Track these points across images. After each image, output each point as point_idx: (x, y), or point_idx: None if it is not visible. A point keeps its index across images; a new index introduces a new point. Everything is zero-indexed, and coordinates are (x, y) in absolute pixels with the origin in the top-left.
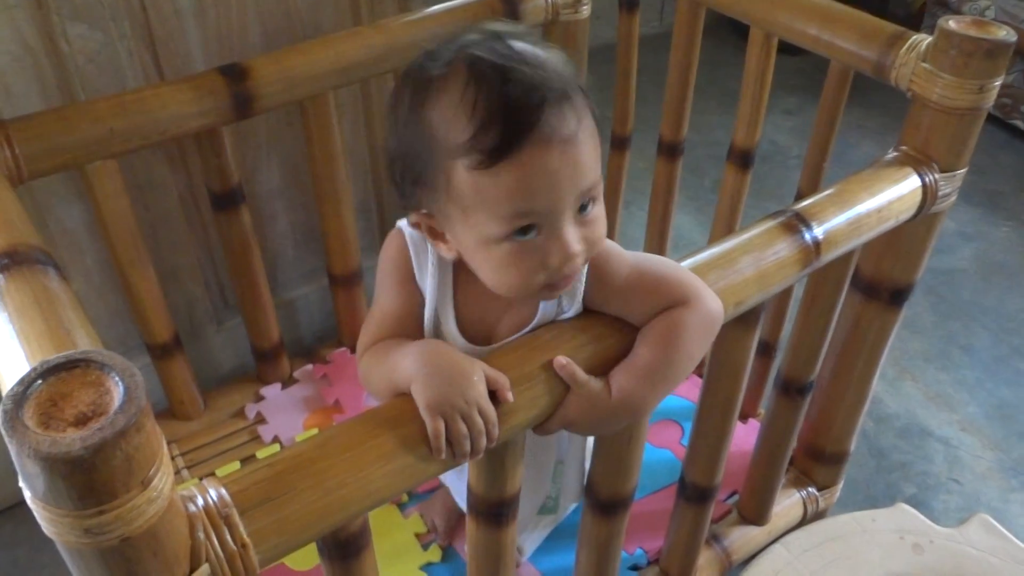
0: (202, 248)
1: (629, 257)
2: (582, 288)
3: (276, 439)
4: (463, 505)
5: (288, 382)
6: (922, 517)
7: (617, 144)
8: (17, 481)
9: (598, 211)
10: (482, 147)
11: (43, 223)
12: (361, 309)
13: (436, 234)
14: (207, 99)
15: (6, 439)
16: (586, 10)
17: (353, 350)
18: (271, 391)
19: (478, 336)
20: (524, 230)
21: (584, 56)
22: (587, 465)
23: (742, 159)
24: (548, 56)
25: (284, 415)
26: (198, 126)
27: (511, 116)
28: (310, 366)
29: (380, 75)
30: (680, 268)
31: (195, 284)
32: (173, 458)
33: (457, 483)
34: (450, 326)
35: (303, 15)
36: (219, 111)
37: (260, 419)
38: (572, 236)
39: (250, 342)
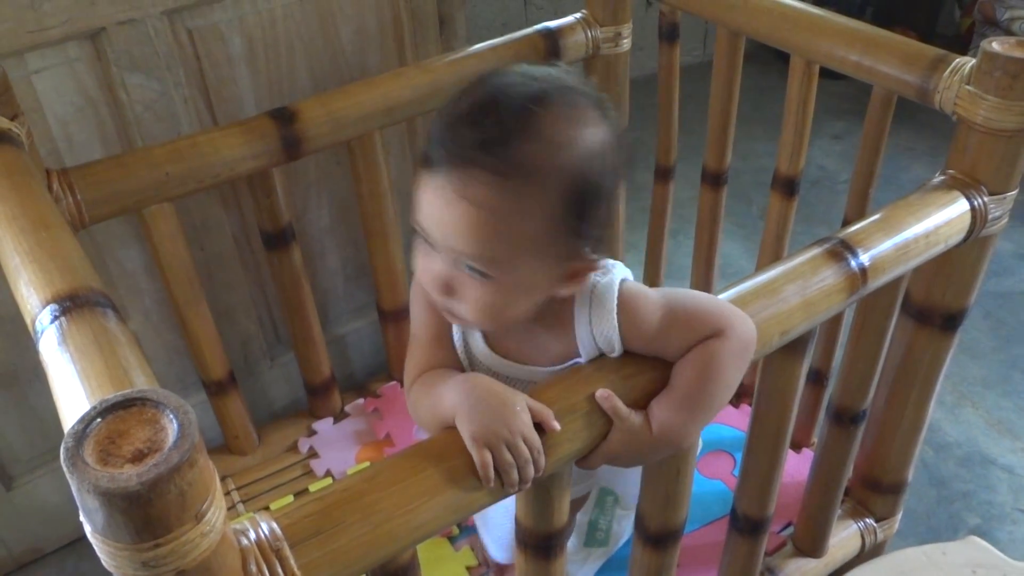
0: (255, 286)
1: (659, 299)
2: (617, 338)
3: (328, 473)
4: (493, 553)
5: (340, 416)
6: (995, 550)
7: (661, 174)
8: (78, 517)
9: (483, 289)
10: (423, 152)
11: (103, 265)
12: None
13: None
14: (257, 142)
15: (67, 475)
16: (626, 43)
17: (403, 384)
18: (323, 425)
19: (508, 350)
20: (426, 238)
21: (625, 88)
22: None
23: (787, 187)
24: (553, 134)
25: (336, 449)
26: (249, 168)
27: (447, 144)
28: (361, 400)
29: (425, 114)
30: (709, 299)
31: (249, 322)
32: (229, 492)
33: (488, 533)
34: (477, 341)
35: (349, 58)
36: (269, 153)
37: (313, 453)
38: (432, 270)
39: (302, 377)
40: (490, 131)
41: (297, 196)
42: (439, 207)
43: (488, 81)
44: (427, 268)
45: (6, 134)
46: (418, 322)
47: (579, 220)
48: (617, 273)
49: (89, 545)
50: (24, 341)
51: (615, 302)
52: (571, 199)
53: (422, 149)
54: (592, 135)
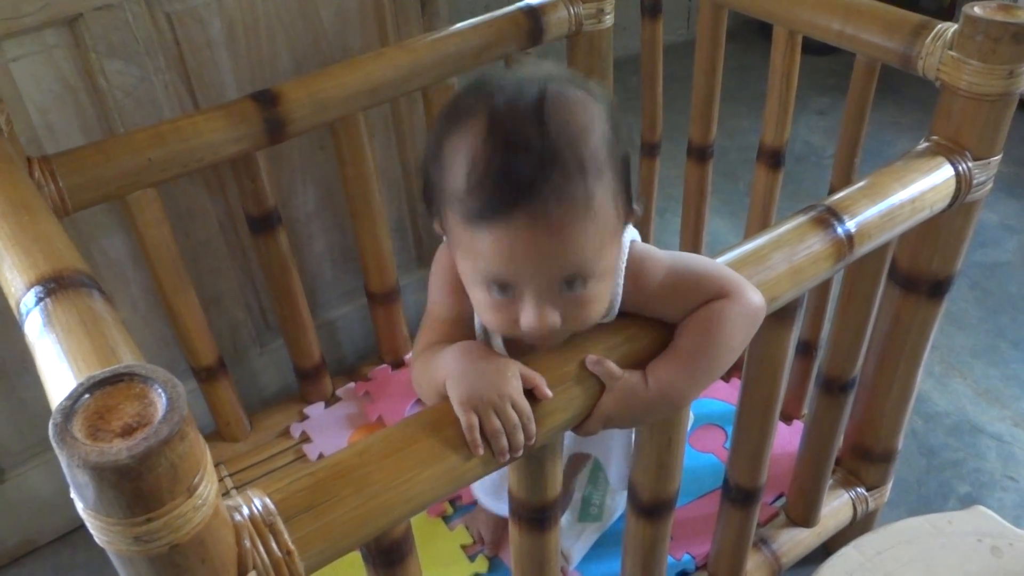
0: (243, 273)
1: (665, 258)
2: (619, 300)
3: (321, 457)
4: (479, 497)
5: (331, 401)
6: (1000, 519)
7: (646, 151)
8: (72, 508)
9: (591, 291)
10: (468, 207)
11: (88, 255)
12: (400, 326)
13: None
14: (240, 125)
15: (57, 451)
16: (609, 19)
17: (393, 367)
18: (315, 410)
19: (524, 347)
20: (502, 288)
21: (609, 65)
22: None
23: (772, 158)
24: (580, 126)
25: (328, 433)
26: (233, 152)
27: (502, 187)
28: (352, 384)
29: (408, 94)
30: (718, 264)
31: (237, 308)
32: (222, 479)
33: (493, 501)
34: (497, 338)
35: (331, 39)
36: (252, 136)
37: (305, 438)
38: (542, 312)
39: (292, 363)
40: (531, 162)
41: (282, 182)
42: (522, 247)
43: (485, 109)
44: (519, 316)
45: None
46: (438, 305)
47: (626, 183)
48: (627, 235)
49: (83, 536)
50: (12, 333)
51: (624, 262)
52: (618, 171)
53: (455, 203)
54: (596, 105)
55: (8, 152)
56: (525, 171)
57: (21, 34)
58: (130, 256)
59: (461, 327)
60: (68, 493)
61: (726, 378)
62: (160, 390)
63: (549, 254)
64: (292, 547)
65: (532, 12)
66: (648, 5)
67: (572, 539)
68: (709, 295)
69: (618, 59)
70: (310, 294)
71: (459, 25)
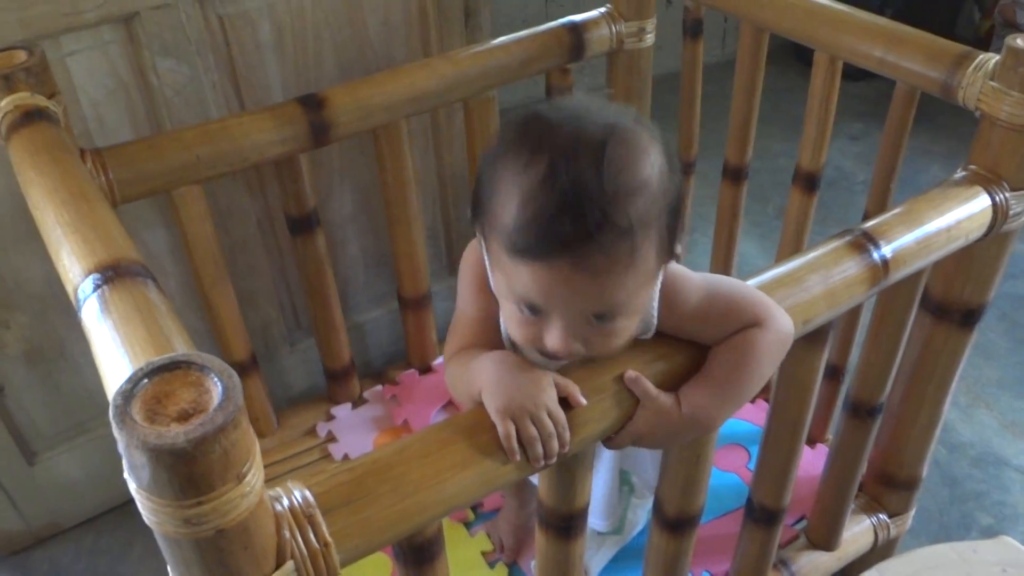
0: (277, 273)
1: (699, 281)
2: (655, 322)
3: (346, 457)
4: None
5: (358, 402)
6: None
7: (682, 170)
8: (98, 494)
9: (619, 326)
10: (514, 242)
11: None
12: (430, 332)
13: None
14: (286, 127)
15: (115, 431)
16: (650, 38)
17: (421, 371)
18: (342, 411)
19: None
20: (532, 310)
21: (648, 84)
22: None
23: (808, 182)
24: (639, 180)
25: (354, 434)
26: (278, 153)
27: (550, 236)
28: (380, 387)
29: (450, 104)
30: (751, 289)
31: (270, 307)
32: None
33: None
34: None
35: (376, 48)
36: (297, 139)
37: (331, 438)
38: (567, 338)
39: (322, 363)
40: (583, 218)
41: (321, 184)
42: (560, 287)
43: (546, 149)
44: (543, 336)
45: (44, 111)
46: (467, 303)
47: (674, 233)
48: None
49: (107, 522)
50: (52, 320)
51: (659, 283)
52: (668, 223)
53: (502, 233)
54: (657, 154)
55: (66, 143)
56: (576, 225)
57: (79, 29)
58: (169, 250)
59: (489, 325)
60: (96, 479)
61: (752, 399)
62: (216, 379)
63: (584, 295)
64: (329, 539)
65: (575, 28)
66: (690, 26)
67: (592, 551)
68: (742, 321)
69: (653, 77)
70: (342, 296)
71: (502, 39)
